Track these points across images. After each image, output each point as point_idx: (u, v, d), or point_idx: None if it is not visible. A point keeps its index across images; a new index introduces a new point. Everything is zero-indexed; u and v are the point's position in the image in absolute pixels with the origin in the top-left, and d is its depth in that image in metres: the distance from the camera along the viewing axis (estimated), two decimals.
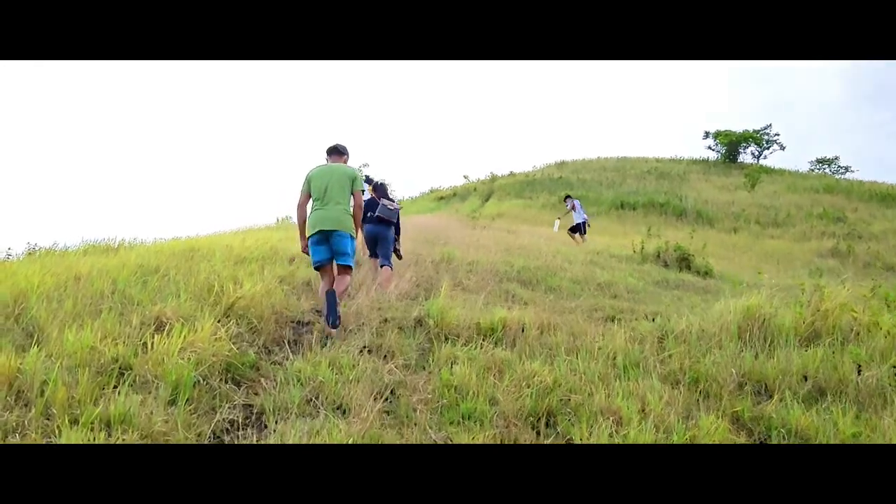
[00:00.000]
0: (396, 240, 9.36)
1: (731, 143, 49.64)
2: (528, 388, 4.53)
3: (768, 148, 50.39)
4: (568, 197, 21.42)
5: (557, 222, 21.58)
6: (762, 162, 49.75)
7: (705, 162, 49.37)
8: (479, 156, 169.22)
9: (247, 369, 4.63)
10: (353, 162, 7.11)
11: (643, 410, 4.30)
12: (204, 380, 4.21)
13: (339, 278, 6.26)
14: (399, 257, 9.73)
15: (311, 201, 6.34)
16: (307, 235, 6.27)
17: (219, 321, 5.28)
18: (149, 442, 3.38)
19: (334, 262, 6.32)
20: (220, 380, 4.36)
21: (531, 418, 4.24)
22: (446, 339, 5.78)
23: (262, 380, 4.51)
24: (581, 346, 5.70)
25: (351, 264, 6.29)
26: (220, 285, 6.15)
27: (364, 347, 5.40)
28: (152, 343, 4.38)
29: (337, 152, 6.61)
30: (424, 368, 5.13)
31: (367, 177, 9.32)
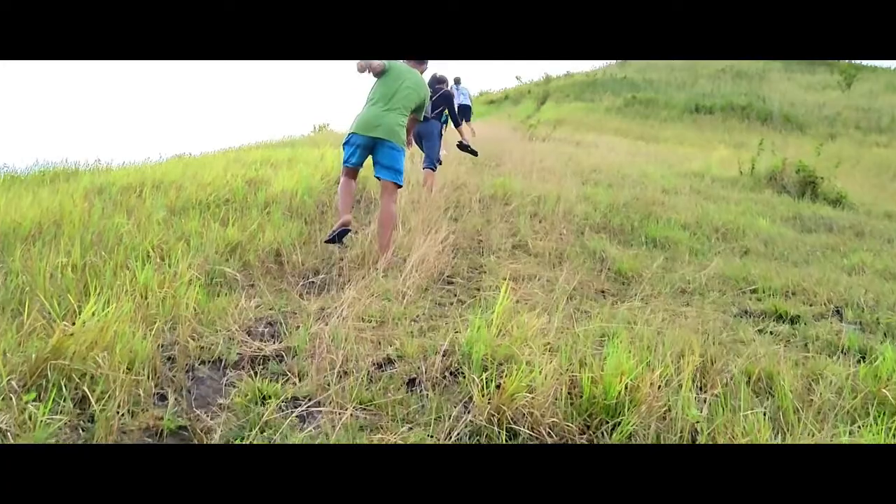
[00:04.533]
0: (459, 131, 8.80)
1: None
2: None
3: None
4: (456, 80, 14.01)
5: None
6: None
7: None
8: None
9: None
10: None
11: None
12: None
13: (383, 204, 5.11)
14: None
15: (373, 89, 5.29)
16: (350, 131, 5.18)
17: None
18: None
19: (380, 179, 5.23)
20: None
21: None
22: (510, 433, 2.55)
23: None
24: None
25: (401, 182, 5.23)
26: (68, 288, 3.18)
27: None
28: None
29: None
30: None
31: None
